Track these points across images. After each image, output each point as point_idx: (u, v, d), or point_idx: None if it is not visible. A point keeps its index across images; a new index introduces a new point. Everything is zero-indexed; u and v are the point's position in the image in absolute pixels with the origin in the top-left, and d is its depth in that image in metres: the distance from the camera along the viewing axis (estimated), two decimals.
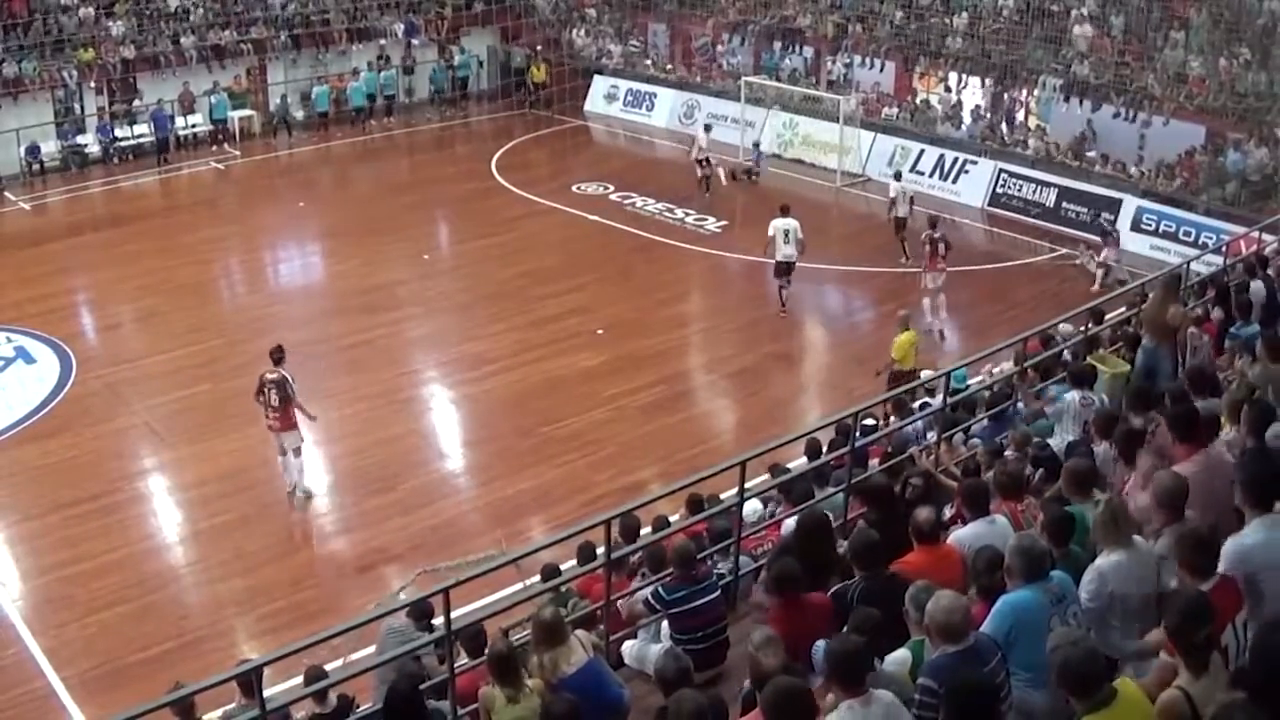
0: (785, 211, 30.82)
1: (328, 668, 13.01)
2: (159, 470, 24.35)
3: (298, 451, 22.75)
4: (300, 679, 12.81)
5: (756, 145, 42.84)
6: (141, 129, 45.98)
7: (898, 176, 36.03)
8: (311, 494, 22.90)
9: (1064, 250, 34.63)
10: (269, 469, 23.53)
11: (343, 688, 13.03)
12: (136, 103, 46.27)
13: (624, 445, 23.99)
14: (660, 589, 11.71)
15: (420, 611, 13.78)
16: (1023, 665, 8.44)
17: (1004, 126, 41.09)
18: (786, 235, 30.18)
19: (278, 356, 22.67)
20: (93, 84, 45.76)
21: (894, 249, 33.68)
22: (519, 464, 23.56)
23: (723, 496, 14.92)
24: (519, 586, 15.24)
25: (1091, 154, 38.23)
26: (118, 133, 45.56)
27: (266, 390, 22.40)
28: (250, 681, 8.84)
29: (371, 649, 14.14)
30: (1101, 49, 39.16)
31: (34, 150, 43.90)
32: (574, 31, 54.52)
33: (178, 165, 45.39)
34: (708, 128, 41.40)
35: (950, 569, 10.34)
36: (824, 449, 16.67)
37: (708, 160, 39.88)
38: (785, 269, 30.37)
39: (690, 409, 26.18)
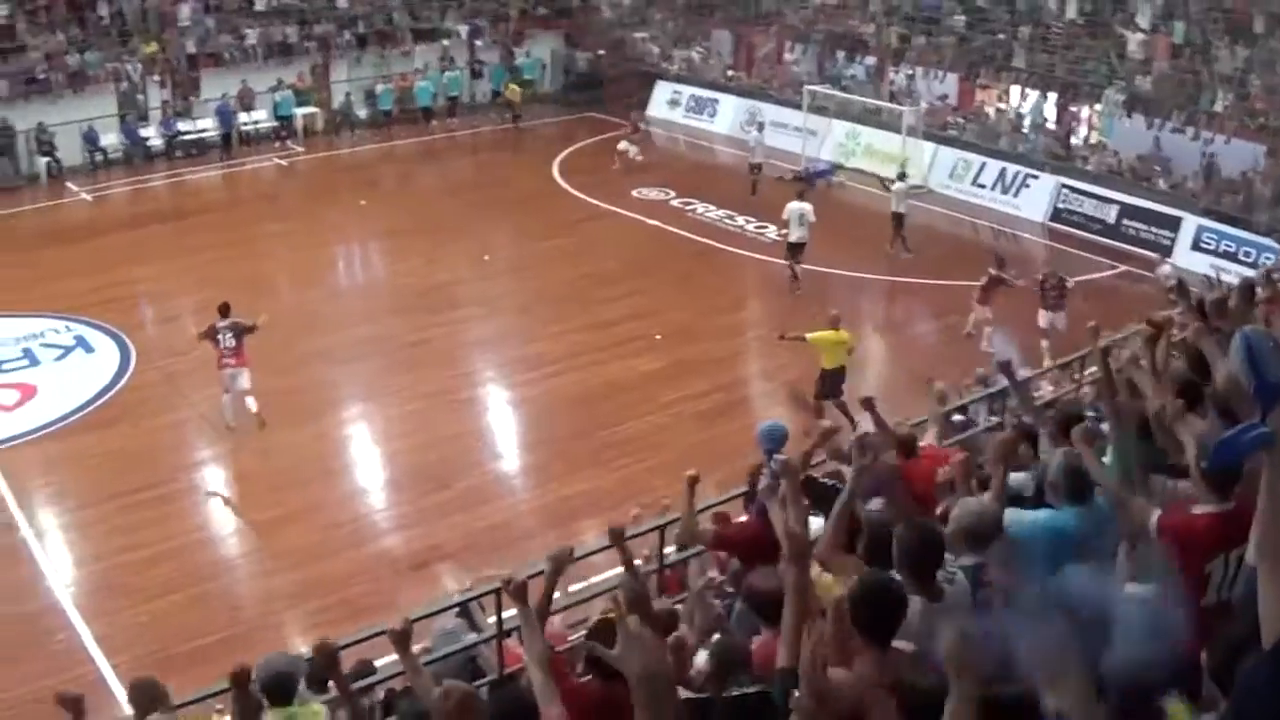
0: (800, 196, 32.73)
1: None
2: (215, 462, 24.40)
3: (248, 391, 24.57)
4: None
5: (816, 162, 42.75)
6: (204, 123, 46.17)
7: (901, 177, 36.29)
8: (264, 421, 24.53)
9: (1124, 268, 34.28)
10: (325, 463, 23.65)
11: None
12: (191, 98, 46.49)
13: (681, 451, 23.63)
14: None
15: (469, 613, 13.66)
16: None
17: (1067, 141, 40.84)
18: (800, 219, 31.75)
19: (224, 310, 24.63)
20: (156, 77, 45.96)
21: (896, 244, 34.83)
22: (575, 466, 23.44)
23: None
24: (577, 587, 15.14)
25: (1155, 170, 37.83)
26: (180, 126, 45.71)
27: (221, 335, 24.35)
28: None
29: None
30: (1160, 57, 38.98)
31: (96, 141, 44.15)
32: (638, 36, 54.53)
33: (240, 160, 45.52)
34: (760, 127, 41.49)
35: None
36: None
37: (760, 166, 40.04)
38: (796, 249, 31.96)
39: (747, 417, 25.90)
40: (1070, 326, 25.66)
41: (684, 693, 8.15)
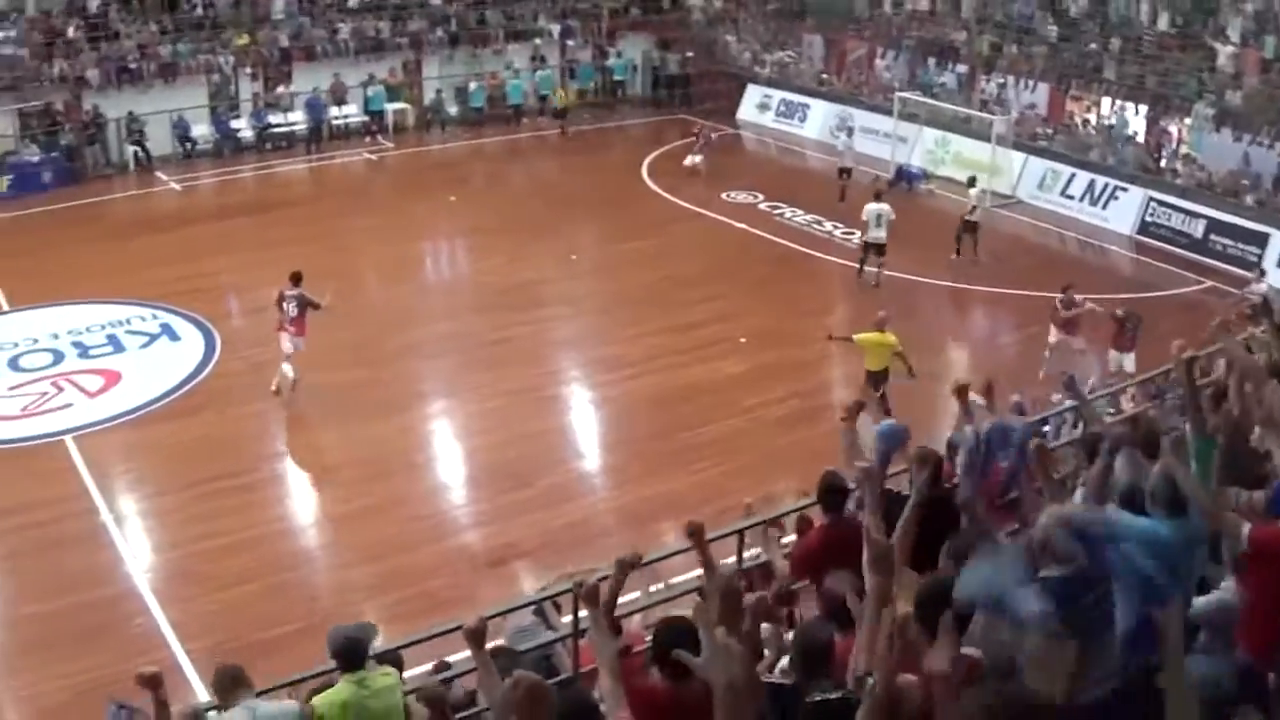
0: (878, 196, 33.33)
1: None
2: (297, 453, 24.52)
3: (289, 357, 25.76)
4: (426, 668, 12.70)
5: (910, 165, 42.59)
6: (294, 116, 46.46)
7: (971, 183, 36.83)
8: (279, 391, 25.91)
9: (1210, 283, 33.85)
10: (407, 457, 23.73)
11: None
12: (280, 89, 46.83)
13: (761, 456, 23.52)
14: None
15: (546, 611, 13.59)
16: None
17: (1157, 154, 40.43)
18: (878, 219, 32.34)
19: (296, 279, 26.01)
20: (248, 70, 46.28)
21: (966, 251, 34.55)
22: (654, 468, 23.32)
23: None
24: (656, 588, 15.04)
25: (1243, 185, 37.33)
26: (270, 119, 46.02)
27: (286, 302, 25.69)
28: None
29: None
30: (1250, 72, 38.56)
31: (186, 132, 44.48)
32: (729, 39, 54.44)
33: (329, 154, 45.75)
34: (850, 132, 41.53)
35: None
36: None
37: (849, 171, 39.93)
38: (875, 249, 32.52)
39: (829, 423, 25.57)
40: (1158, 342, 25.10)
41: (766, 677, 8.09)
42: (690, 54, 54.35)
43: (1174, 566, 7.79)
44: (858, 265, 33.23)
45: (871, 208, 32.57)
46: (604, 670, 7.44)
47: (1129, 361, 26.28)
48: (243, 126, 45.95)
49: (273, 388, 25.80)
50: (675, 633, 7.61)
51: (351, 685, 9.35)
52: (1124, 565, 7.17)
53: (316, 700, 9.42)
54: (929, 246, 34.24)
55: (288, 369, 25.66)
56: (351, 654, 9.43)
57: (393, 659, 12.32)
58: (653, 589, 14.55)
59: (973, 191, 35.62)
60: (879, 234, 32.29)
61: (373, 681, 9.44)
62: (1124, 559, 7.38)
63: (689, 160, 42.97)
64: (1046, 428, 16.59)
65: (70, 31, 43.77)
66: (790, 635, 11.16)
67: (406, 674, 13.00)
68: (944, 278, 32.76)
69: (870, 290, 32.06)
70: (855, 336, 24.86)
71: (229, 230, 36.80)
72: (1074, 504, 8.43)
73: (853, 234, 35.86)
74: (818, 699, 7.08)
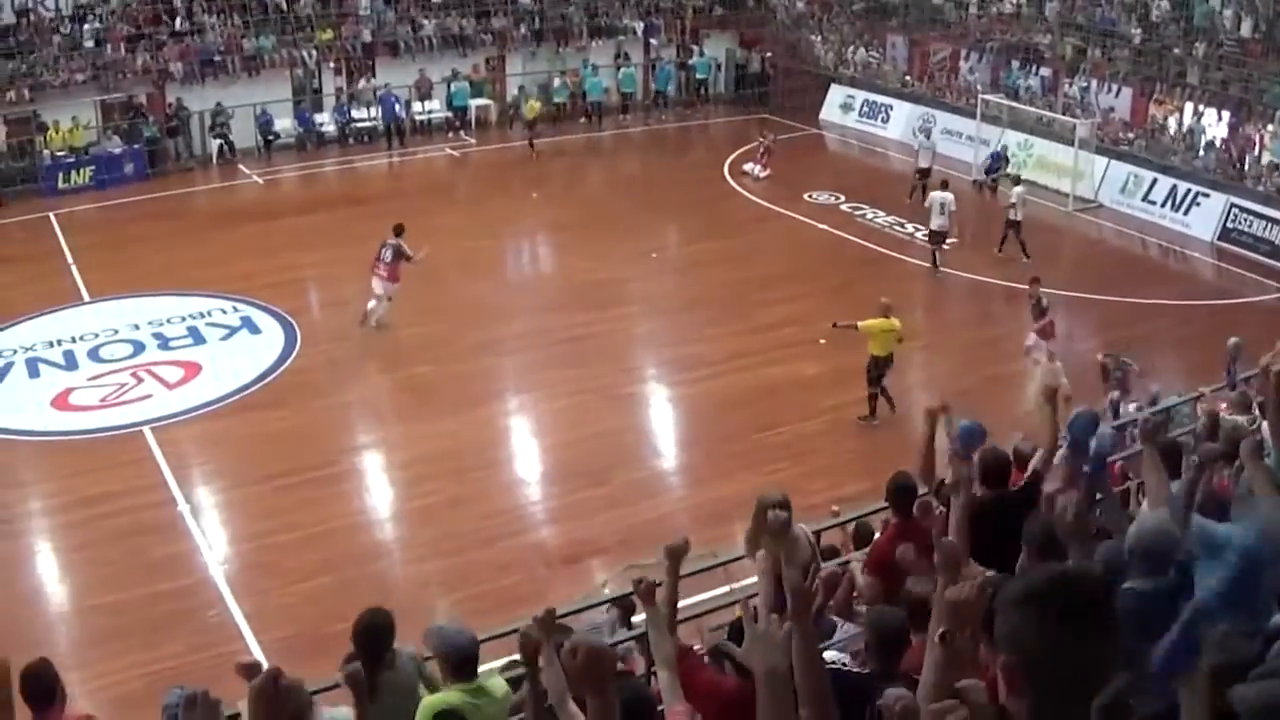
0: (944, 186, 34.75)
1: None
2: (373, 447, 24.54)
3: (377, 296, 28.86)
4: (499, 662, 12.67)
5: (996, 157, 42.30)
6: (377, 110, 46.65)
7: (1017, 181, 37.51)
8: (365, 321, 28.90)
9: None
10: (483, 453, 23.68)
11: None
12: (362, 83, 47.15)
13: (837, 457, 23.40)
14: None
15: (622, 607, 13.54)
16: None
17: (1240, 160, 39.96)
18: (942, 207, 33.47)
19: (398, 230, 29.05)
20: (332, 64, 46.50)
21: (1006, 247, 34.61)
22: (729, 468, 23.17)
23: None
24: (725, 590, 14.96)
25: None
26: (354, 114, 46.21)
27: (384, 249, 28.76)
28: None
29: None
30: None
31: (270, 126, 44.76)
32: (813, 38, 54.26)
33: (412, 150, 45.96)
34: (928, 133, 41.53)
35: None
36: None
37: (928, 171, 39.79)
38: (938, 237, 33.80)
39: (906, 426, 25.50)
40: None
41: (836, 662, 8.01)
42: (769, 54, 54.28)
43: (1259, 580, 7.66)
44: (930, 261, 34.06)
45: (935, 195, 33.93)
46: (662, 667, 7.37)
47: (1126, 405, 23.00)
48: (326, 121, 46.15)
49: (360, 319, 28.90)
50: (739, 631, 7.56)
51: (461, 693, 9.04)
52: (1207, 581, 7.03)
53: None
54: (1010, 249, 33.98)
55: (373, 304, 28.78)
56: (466, 663, 9.14)
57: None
58: (718, 591, 14.50)
59: (1016, 190, 35.42)
60: (942, 221, 33.41)
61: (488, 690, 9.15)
62: (1211, 574, 7.27)
63: (748, 167, 42.78)
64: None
65: (155, 24, 44.08)
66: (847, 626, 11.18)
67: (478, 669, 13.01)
68: (1020, 281, 32.46)
69: (950, 290, 31.88)
70: (860, 324, 24.97)
71: (311, 225, 37.04)
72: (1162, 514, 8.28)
73: None
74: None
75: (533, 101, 48.16)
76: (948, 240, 33.98)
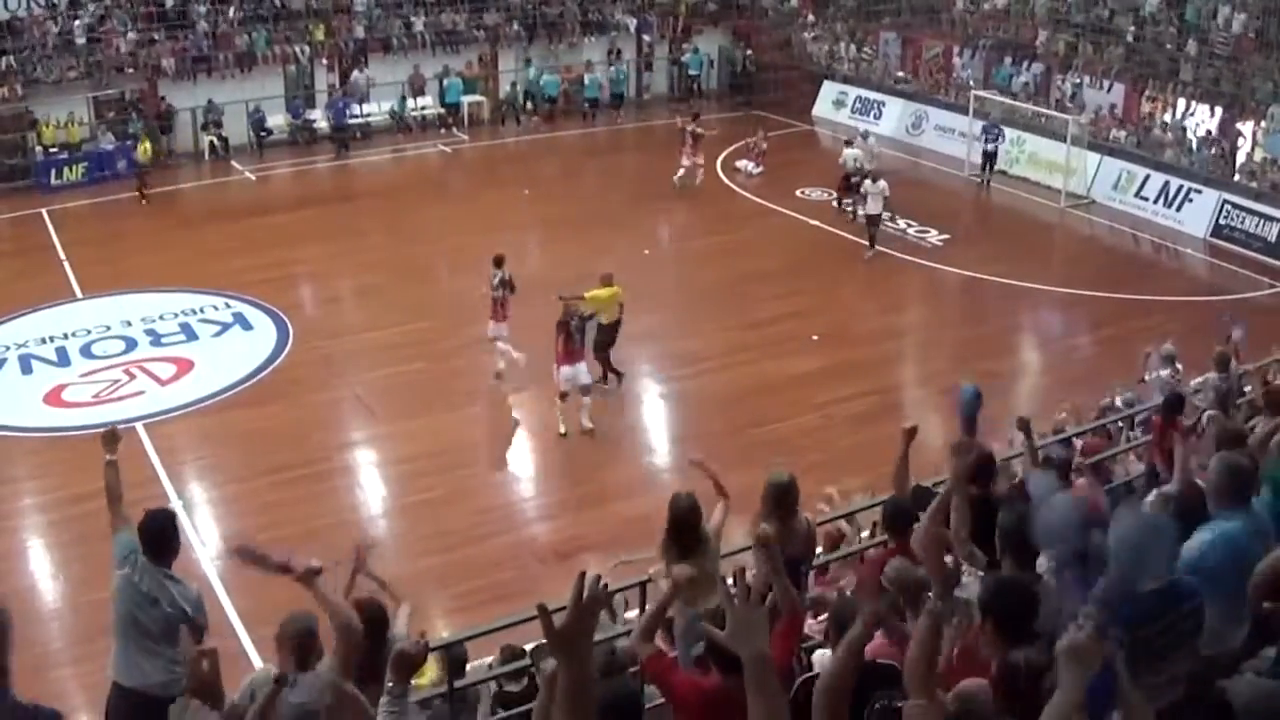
0: (875, 179, 35.40)
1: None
2: (367, 444, 24.58)
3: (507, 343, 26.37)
4: (492, 658, 12.68)
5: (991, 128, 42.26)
6: (369, 108, 46.79)
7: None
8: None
9: None
10: (475, 451, 23.82)
11: None
12: (355, 74, 47.07)
13: (832, 453, 23.36)
14: None
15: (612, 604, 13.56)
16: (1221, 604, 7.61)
17: (1231, 156, 39.95)
18: (880, 194, 34.47)
19: (499, 261, 26.74)
20: (324, 61, 46.48)
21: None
22: (724, 463, 22.68)
23: None
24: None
25: None
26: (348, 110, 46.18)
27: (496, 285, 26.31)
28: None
29: None
30: None
31: (262, 122, 44.74)
32: (805, 35, 54.25)
33: (404, 146, 45.93)
34: (865, 135, 41.33)
35: None
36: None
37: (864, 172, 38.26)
38: (875, 220, 34.71)
39: (900, 422, 25.52)
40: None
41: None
42: (750, 52, 54.45)
43: (1243, 566, 7.73)
44: (868, 244, 34.77)
45: (870, 185, 34.72)
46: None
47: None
48: (318, 117, 46.11)
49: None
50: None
51: None
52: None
53: None
54: (1001, 245, 34.10)
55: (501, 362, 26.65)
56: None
57: (459, 650, 12.33)
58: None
59: (880, 184, 35.08)
60: (877, 206, 34.37)
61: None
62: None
63: (741, 164, 42.73)
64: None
65: (148, 21, 44.05)
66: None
67: (473, 664, 13.00)
68: (1018, 277, 32.49)
69: (946, 288, 31.91)
70: (586, 295, 25.12)
71: (303, 221, 37.04)
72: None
73: (927, 231, 35.82)
74: (880, 705, 7.07)
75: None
76: (883, 222, 34.94)
